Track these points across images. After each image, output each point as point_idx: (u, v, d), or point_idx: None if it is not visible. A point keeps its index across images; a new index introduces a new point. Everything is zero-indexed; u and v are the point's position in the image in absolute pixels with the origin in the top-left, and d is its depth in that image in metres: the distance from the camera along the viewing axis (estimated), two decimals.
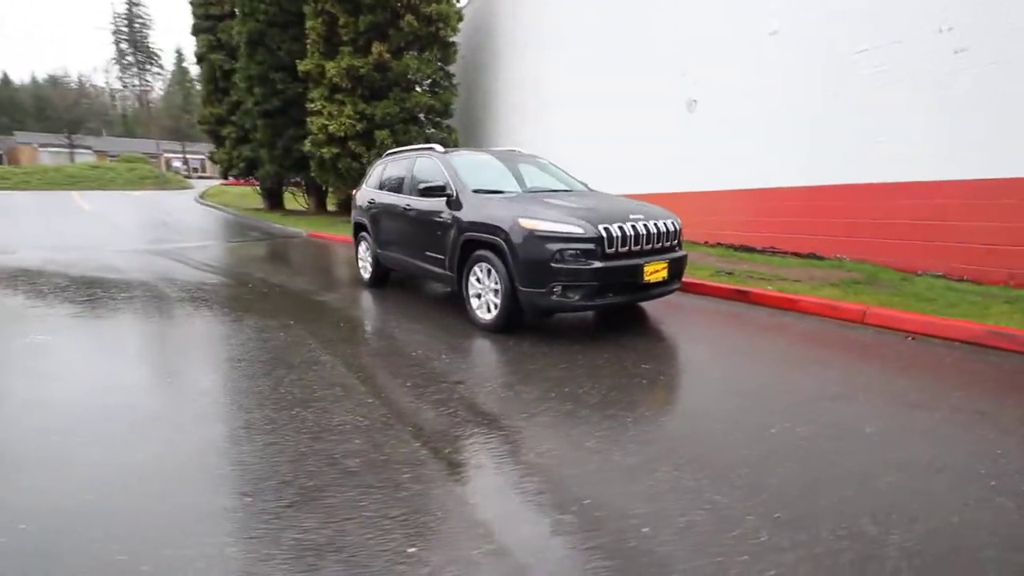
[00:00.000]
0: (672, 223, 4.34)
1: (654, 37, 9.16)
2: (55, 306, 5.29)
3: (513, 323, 4.21)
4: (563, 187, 5.25)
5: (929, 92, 5.57)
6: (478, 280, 4.44)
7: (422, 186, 4.90)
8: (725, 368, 3.57)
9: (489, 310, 4.34)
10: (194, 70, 59.62)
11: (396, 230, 5.71)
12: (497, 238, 4.12)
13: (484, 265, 4.32)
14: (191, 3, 20.08)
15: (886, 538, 1.78)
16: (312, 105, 14.49)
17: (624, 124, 9.84)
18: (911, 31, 5.64)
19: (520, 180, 5.16)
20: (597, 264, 3.86)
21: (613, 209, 4.21)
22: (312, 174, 16.12)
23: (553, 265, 3.84)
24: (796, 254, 7.08)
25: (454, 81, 15.11)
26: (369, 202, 6.28)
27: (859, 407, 2.86)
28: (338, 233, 13.85)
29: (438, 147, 5.45)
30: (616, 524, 1.86)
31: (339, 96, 14.16)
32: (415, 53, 14.26)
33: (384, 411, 2.80)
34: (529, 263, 3.91)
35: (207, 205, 22.92)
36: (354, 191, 7.18)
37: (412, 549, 1.74)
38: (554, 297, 3.88)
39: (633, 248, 4.03)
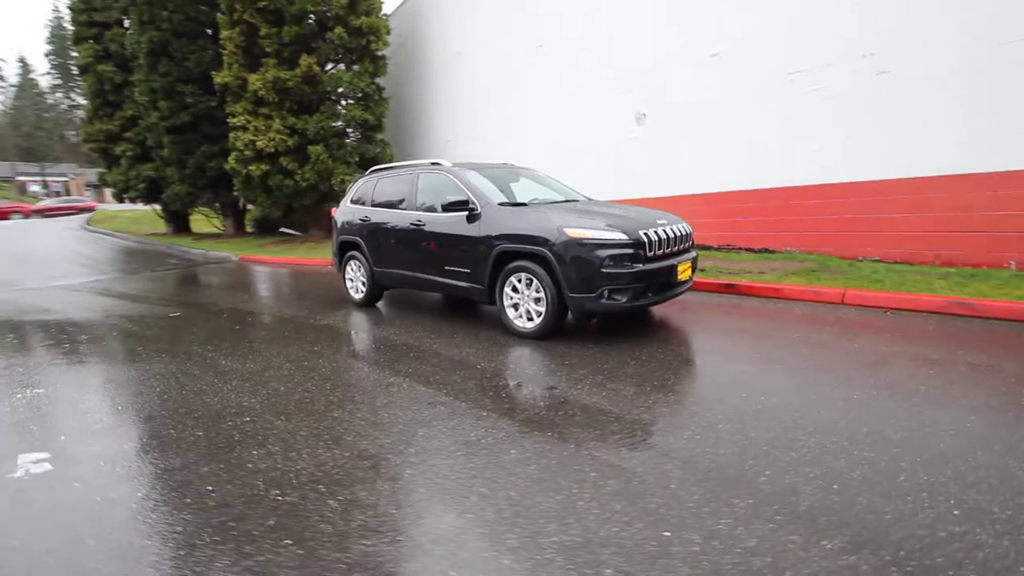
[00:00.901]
0: (686, 226, 4.77)
1: (597, 52, 9.78)
2: (49, 356, 4.59)
3: (556, 330, 4.39)
4: (563, 198, 5.51)
5: (855, 107, 6.58)
6: (514, 291, 4.56)
7: (446, 201, 4.91)
8: (771, 352, 4.01)
9: (531, 318, 4.48)
10: (45, 81, 52.59)
11: (401, 247, 5.63)
12: (541, 248, 4.27)
13: (523, 275, 4.45)
14: (71, 9, 17.85)
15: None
16: (234, 120, 13.56)
17: (569, 135, 10.36)
18: (839, 56, 6.65)
19: (527, 192, 5.35)
20: (640, 267, 4.17)
21: (640, 216, 4.55)
22: (235, 193, 15.04)
23: (603, 271, 4.08)
24: (750, 249, 7.93)
25: (384, 95, 14.89)
26: (362, 220, 6.11)
27: (901, 369, 3.40)
28: (272, 255, 13.06)
29: (445, 162, 5.48)
30: (790, 480, 2.12)
31: (265, 110, 13.40)
32: (344, 67, 13.88)
33: (510, 422, 2.85)
34: (580, 270, 4.11)
35: (99, 232, 20.37)
36: (332, 210, 6.92)
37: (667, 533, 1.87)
38: (603, 300, 4.12)
39: (666, 251, 4.39)
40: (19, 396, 3.48)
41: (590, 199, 5.76)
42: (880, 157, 6.45)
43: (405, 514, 2.02)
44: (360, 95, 14.05)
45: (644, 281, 4.18)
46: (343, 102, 14.24)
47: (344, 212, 6.52)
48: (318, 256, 12.33)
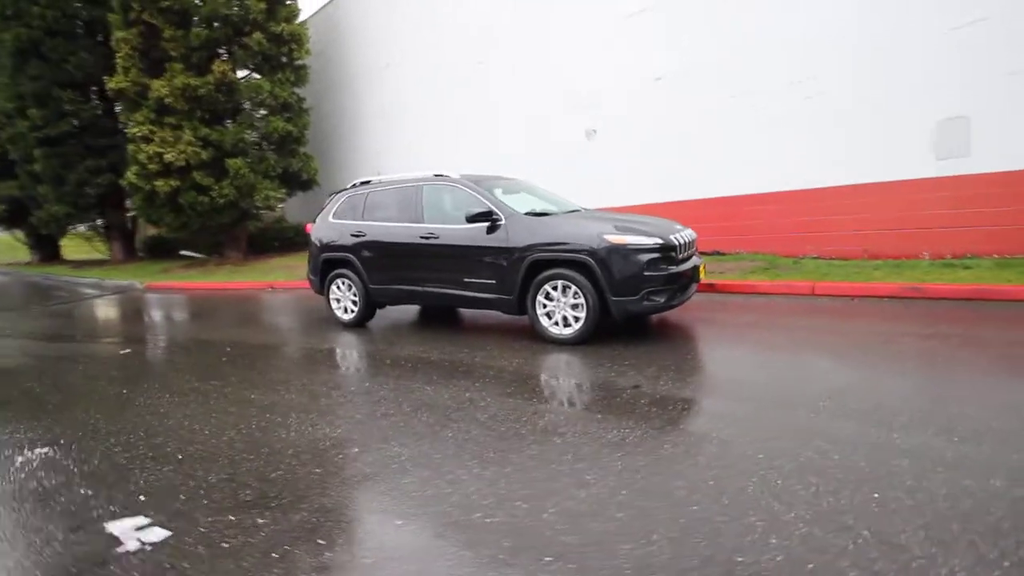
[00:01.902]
0: (692, 231, 5.17)
1: (545, 72, 10.17)
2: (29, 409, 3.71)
3: (594, 334, 4.51)
4: (564, 208, 5.68)
5: (790, 126, 7.55)
6: (548, 298, 4.62)
7: (471, 213, 4.84)
8: (797, 338, 4.46)
9: (567, 324, 4.55)
10: None
11: (406, 262, 5.42)
12: (582, 255, 4.38)
13: (559, 283, 4.52)
14: None
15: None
16: (134, 130, 12.07)
17: (517, 149, 10.59)
18: (772, 82, 7.59)
19: (527, 203, 5.44)
20: (674, 269, 4.44)
21: (660, 223, 4.85)
22: (133, 212, 13.30)
23: (644, 274, 4.29)
24: (704, 253, 8.67)
25: (304, 106, 14.10)
26: (354, 235, 5.78)
27: (902, 344, 3.98)
28: (186, 281, 11.75)
29: (452, 174, 5.39)
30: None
31: (172, 119, 12.10)
32: (260, 76, 12.95)
33: (634, 422, 2.91)
34: (624, 274, 4.28)
35: None
36: (308, 226, 6.47)
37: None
38: (644, 302, 4.33)
39: (688, 253, 4.73)
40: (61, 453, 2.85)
41: (587, 209, 5.99)
42: (813, 169, 7.45)
43: (657, 508, 2.00)
44: (280, 105, 13.18)
45: (676, 282, 4.46)
46: (260, 113, 13.26)
47: (325, 228, 6.12)
48: (248, 279, 11.30)
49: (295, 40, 12.99)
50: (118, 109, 13.63)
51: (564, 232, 4.56)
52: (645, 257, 4.31)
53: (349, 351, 5.07)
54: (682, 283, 4.55)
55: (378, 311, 6.08)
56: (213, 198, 12.24)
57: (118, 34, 11.99)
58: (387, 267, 5.59)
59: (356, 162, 14.86)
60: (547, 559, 1.77)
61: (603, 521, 1.97)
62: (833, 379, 3.37)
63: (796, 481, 2.14)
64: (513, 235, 4.73)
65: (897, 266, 6.58)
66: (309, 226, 6.41)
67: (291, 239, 15.93)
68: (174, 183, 12.06)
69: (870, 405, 2.87)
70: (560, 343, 4.57)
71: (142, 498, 2.36)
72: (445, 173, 5.45)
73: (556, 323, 4.61)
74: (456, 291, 5.14)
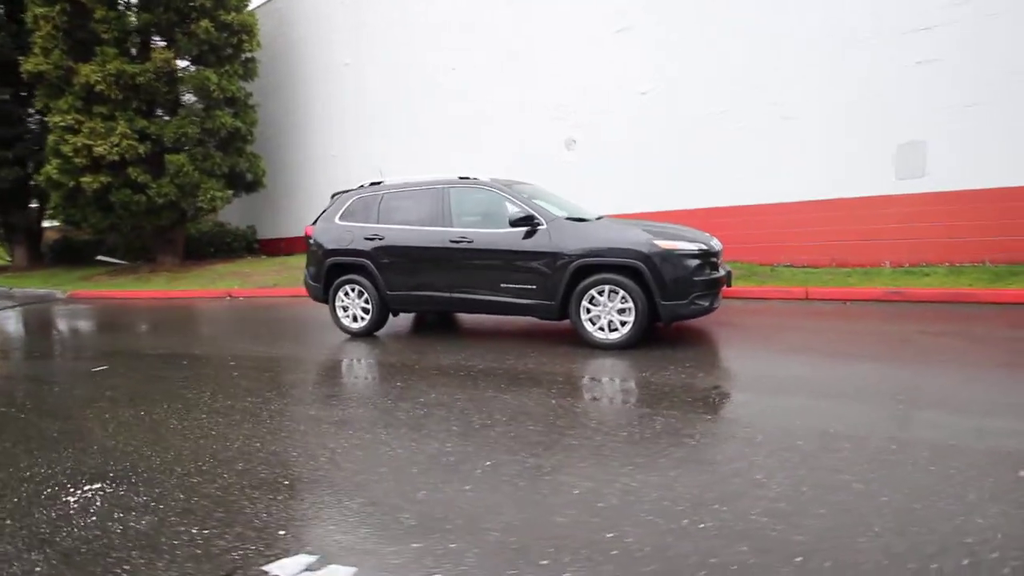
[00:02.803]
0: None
1: (522, 81, 10.22)
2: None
3: (642, 338, 4.55)
4: (582, 215, 5.70)
5: (767, 143, 8.12)
6: (593, 303, 4.60)
7: (513, 216, 4.71)
8: (821, 342, 4.74)
9: (613, 329, 4.55)
10: None
11: (432, 267, 5.19)
12: (632, 260, 4.41)
13: (606, 287, 4.52)
14: None
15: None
16: (56, 119, 10.66)
17: (493, 157, 10.54)
18: (753, 102, 8.15)
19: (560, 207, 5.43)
20: (715, 274, 4.61)
21: (693, 230, 5.01)
22: (50, 213, 11.67)
23: (694, 278, 4.41)
24: None
25: (250, 103, 13.19)
26: (370, 239, 5.44)
27: (923, 341, 4.38)
28: (116, 288, 10.51)
29: (482, 177, 5.25)
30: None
31: (103, 109, 10.86)
32: (204, 67, 11.95)
33: (739, 424, 2.94)
34: (675, 278, 4.35)
35: None
36: (308, 228, 6.01)
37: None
38: (692, 306, 4.44)
39: (721, 259, 4.92)
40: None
41: (606, 215, 6.06)
42: (788, 184, 8.05)
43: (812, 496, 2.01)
44: (226, 100, 12.23)
45: (717, 287, 4.62)
46: (203, 106, 12.20)
47: (332, 231, 5.71)
48: (195, 287, 10.29)
49: (246, 31, 12.14)
50: (32, 95, 11.94)
51: (612, 237, 4.57)
52: (693, 262, 4.43)
53: (381, 361, 4.74)
54: (720, 288, 4.73)
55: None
56: (151, 197, 11.07)
57: (37, 10, 10.57)
58: (409, 272, 5.32)
59: (307, 166, 14.08)
60: (797, 559, 1.74)
61: (809, 517, 1.97)
62: (893, 376, 3.63)
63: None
64: (557, 240, 4.67)
65: (866, 273, 7.25)
66: (309, 228, 5.96)
67: (229, 244, 14.75)
68: (104, 179, 10.77)
69: (943, 396, 3.13)
70: (606, 348, 4.56)
71: (282, 532, 2.04)
72: (471, 176, 5.30)
73: (601, 328, 4.61)
74: (491, 297, 4.98)
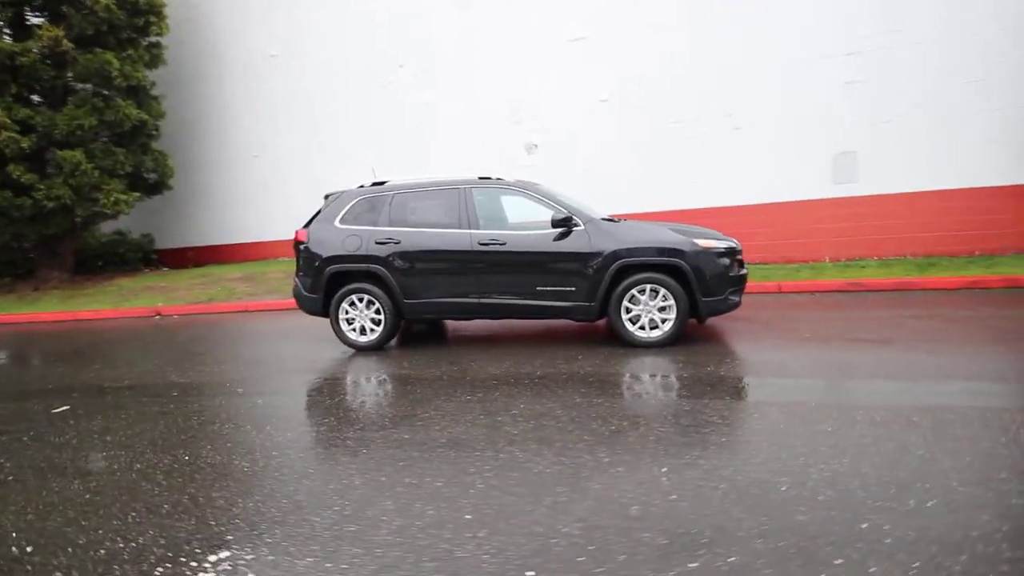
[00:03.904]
0: None
1: (479, 84, 10.08)
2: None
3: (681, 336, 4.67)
4: (605, 214, 5.73)
5: (721, 151, 8.78)
6: (632, 302, 4.64)
7: (556, 218, 4.60)
8: (828, 333, 5.17)
9: (655, 327, 4.62)
10: None
11: (459, 271, 4.91)
12: (675, 259, 4.50)
13: (647, 287, 4.58)
14: None
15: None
16: None
17: (449, 158, 10.29)
18: (706, 113, 8.76)
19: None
20: (743, 270, 4.86)
21: (711, 230, 5.25)
22: None
23: (729, 275, 4.62)
24: None
25: (154, 93, 11.63)
26: (382, 243, 5.00)
27: (917, 324, 4.97)
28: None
29: (506, 178, 5.07)
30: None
31: None
32: (99, 50, 10.30)
33: (806, 409, 3.11)
34: (714, 276, 4.51)
35: None
36: (299, 232, 5.39)
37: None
38: (728, 301, 4.65)
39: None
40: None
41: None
42: (739, 189, 8.77)
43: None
44: (128, 89, 10.64)
45: (744, 282, 4.88)
46: (97, 94, 10.48)
47: (333, 236, 5.16)
48: (105, 306, 8.79)
49: (153, 12, 10.65)
50: None
51: (652, 238, 4.64)
52: (726, 260, 4.63)
53: (418, 376, 4.35)
54: (745, 283, 4.99)
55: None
56: (37, 200, 9.27)
57: None
58: (432, 278, 4.97)
59: (222, 166, 12.68)
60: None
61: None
62: (913, 359, 4.08)
63: None
64: (596, 240, 4.65)
65: (813, 268, 8.11)
66: (302, 232, 5.35)
67: (122, 255, 12.86)
68: None
69: (973, 372, 3.58)
70: (646, 346, 4.61)
71: None
72: (493, 176, 5.11)
73: (642, 327, 4.66)
74: (526, 301, 4.81)
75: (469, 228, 4.90)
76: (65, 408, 3.97)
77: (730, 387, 3.55)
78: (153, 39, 11.10)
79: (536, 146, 9.88)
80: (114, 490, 2.54)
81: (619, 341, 4.71)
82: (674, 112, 8.92)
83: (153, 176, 11.67)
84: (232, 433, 3.23)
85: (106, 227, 12.96)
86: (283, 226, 10.88)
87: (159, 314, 8.19)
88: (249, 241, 12.38)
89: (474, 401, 3.55)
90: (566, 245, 4.68)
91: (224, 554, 1.95)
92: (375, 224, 5.12)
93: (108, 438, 3.26)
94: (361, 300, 5.12)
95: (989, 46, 7.43)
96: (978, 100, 7.57)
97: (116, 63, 9.94)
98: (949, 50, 7.58)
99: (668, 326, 4.58)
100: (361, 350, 5.15)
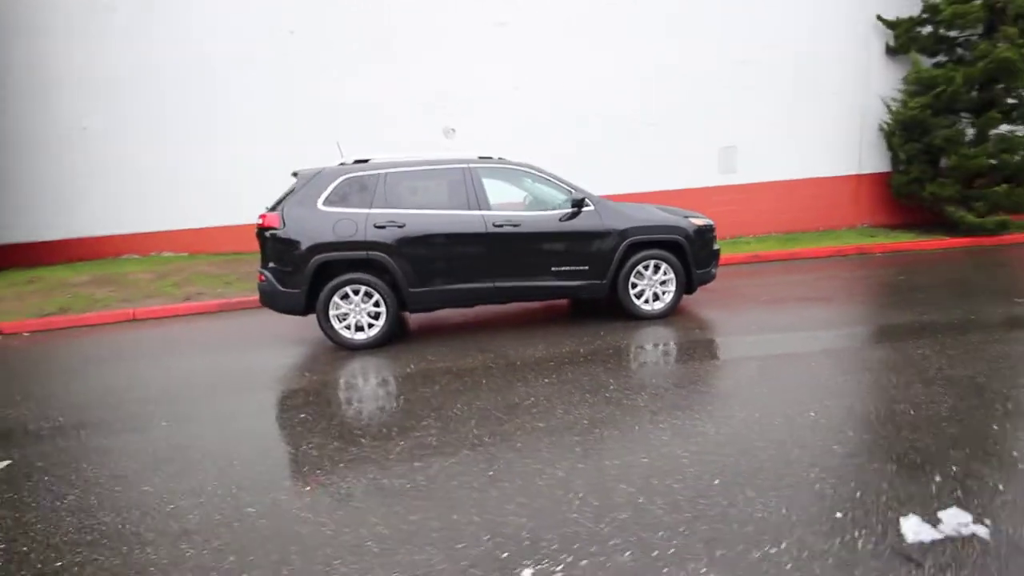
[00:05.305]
0: None
1: (391, 68, 9.47)
2: None
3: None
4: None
5: (629, 144, 9.56)
6: (637, 277, 4.96)
7: (576, 198, 4.68)
8: (788, 295, 6.06)
9: (658, 299, 5.01)
10: None
11: (474, 255, 4.69)
12: (677, 236, 4.93)
13: (651, 263, 4.93)
14: None
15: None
16: None
17: (357, 143, 9.51)
18: (621, 108, 9.47)
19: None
20: (718, 245, 5.48)
21: (685, 210, 5.78)
22: None
23: (714, 249, 5.20)
24: None
25: None
26: (381, 227, 4.52)
27: (869, 283, 6.14)
28: None
29: (511, 159, 4.96)
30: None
31: None
32: None
33: (834, 361, 3.79)
34: (705, 250, 5.06)
35: None
36: (266, 217, 4.61)
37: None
38: (710, 272, 5.23)
39: None
40: None
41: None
42: (648, 176, 9.67)
43: None
44: None
45: (719, 256, 5.50)
46: None
47: (317, 220, 4.51)
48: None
49: None
50: None
51: (656, 216, 5.03)
52: (711, 235, 5.23)
53: (454, 369, 4.10)
54: (719, 257, 5.62)
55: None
56: None
57: None
58: (442, 264, 4.69)
59: (44, 144, 9.96)
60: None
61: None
62: (889, 313, 5.12)
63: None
64: (607, 219, 4.86)
65: (738, 243, 9.38)
66: (272, 217, 4.58)
67: None
68: None
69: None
70: (650, 318, 4.99)
71: None
72: (505, 158, 5.02)
73: (647, 300, 5.02)
74: (540, 282, 4.84)
75: (480, 209, 4.74)
76: (10, 462, 2.94)
77: (766, 347, 4.05)
78: None
79: (454, 130, 9.68)
80: None
81: (622, 315, 5.01)
82: (589, 104, 9.49)
83: None
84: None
85: None
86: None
87: (134, 317, 6.31)
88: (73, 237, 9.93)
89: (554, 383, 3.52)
90: (579, 224, 4.81)
91: None
92: (367, 206, 4.64)
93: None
94: (356, 292, 4.61)
95: (829, 68, 9.38)
96: (817, 107, 9.50)
97: None
98: (803, 66, 9.38)
99: (668, 298, 5.02)
100: (356, 349, 4.64)
